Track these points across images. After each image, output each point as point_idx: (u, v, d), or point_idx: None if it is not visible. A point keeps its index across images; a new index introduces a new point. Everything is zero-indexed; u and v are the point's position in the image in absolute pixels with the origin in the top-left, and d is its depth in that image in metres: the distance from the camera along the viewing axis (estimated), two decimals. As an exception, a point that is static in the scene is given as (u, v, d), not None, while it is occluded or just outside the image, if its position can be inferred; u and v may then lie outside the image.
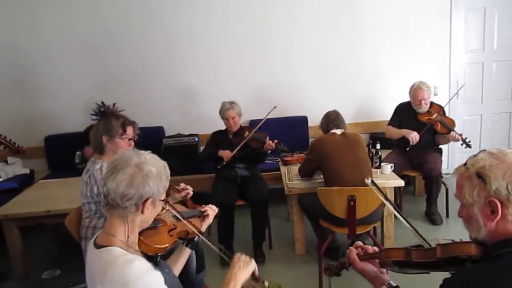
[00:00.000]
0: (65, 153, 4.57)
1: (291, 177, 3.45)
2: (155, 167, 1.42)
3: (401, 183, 3.36)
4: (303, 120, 4.92)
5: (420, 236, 1.56)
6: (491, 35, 4.95)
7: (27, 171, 4.36)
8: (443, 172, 3.97)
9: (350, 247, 1.62)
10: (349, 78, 4.94)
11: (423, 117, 3.93)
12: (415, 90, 3.93)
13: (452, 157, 5.11)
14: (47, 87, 4.78)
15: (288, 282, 3.13)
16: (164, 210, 1.71)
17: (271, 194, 3.57)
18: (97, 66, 4.76)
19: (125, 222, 1.41)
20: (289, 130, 4.73)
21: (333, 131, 3.16)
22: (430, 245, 1.47)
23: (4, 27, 4.63)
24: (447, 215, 4.03)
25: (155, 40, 4.76)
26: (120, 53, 4.75)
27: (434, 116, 3.88)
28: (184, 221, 1.71)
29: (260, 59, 4.86)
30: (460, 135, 3.75)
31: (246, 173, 3.66)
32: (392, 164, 3.55)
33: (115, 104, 2.54)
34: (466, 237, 3.78)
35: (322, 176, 3.31)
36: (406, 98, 4.21)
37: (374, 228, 3.24)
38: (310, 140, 4.91)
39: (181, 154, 4.33)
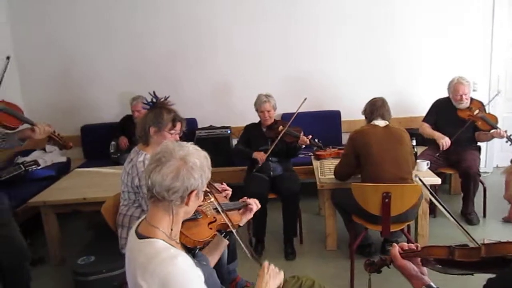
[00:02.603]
0: (100, 143, 4.68)
1: (324, 172, 3.41)
2: (199, 159, 1.41)
3: (437, 180, 3.26)
4: (336, 114, 4.85)
5: (468, 234, 1.50)
6: (535, 30, 4.74)
7: (64, 159, 4.48)
8: (481, 170, 3.85)
9: (393, 243, 1.58)
10: (384, 72, 4.84)
11: (464, 113, 3.80)
12: (456, 85, 3.80)
13: (490, 155, 4.93)
14: (85, 79, 4.91)
15: (319, 277, 3.07)
16: (205, 202, 1.71)
17: (302, 188, 3.55)
18: (132, 58, 4.85)
19: (169, 214, 1.41)
20: (322, 124, 4.67)
21: (376, 122, 3.03)
22: (477, 244, 1.41)
23: (47, 23, 4.78)
24: (484, 215, 3.91)
25: (189, 32, 4.79)
26: (155, 45, 4.82)
27: (476, 112, 3.75)
28: (223, 216, 1.69)
29: (293, 53, 4.82)
30: (505, 131, 3.61)
31: (279, 166, 3.64)
32: (428, 161, 3.45)
33: (168, 98, 2.53)
34: (503, 238, 3.66)
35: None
36: (443, 93, 4.09)
37: (408, 226, 3.17)
38: (343, 135, 4.87)
39: (214, 146, 4.34)
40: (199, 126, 4.76)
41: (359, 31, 4.76)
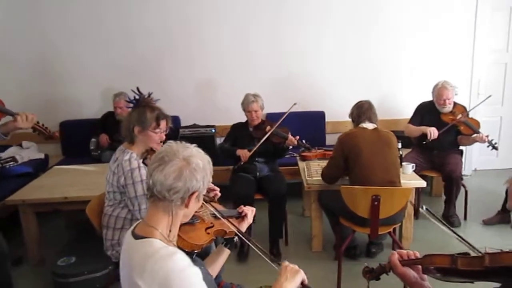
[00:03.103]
0: (80, 140, 4.55)
1: (311, 173, 3.39)
2: (202, 161, 1.40)
3: (422, 183, 3.30)
4: (321, 115, 4.86)
5: (469, 244, 1.50)
6: (516, 36, 4.87)
7: (41, 155, 4.33)
8: (462, 173, 3.91)
9: (392, 251, 1.56)
10: (368, 75, 4.87)
11: (447, 117, 3.85)
12: (440, 89, 3.85)
13: (469, 159, 5.04)
14: (66, 73, 4.76)
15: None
16: (202, 207, 1.67)
17: (288, 190, 3.53)
18: (116, 54, 4.73)
19: (169, 215, 1.39)
20: (306, 125, 4.66)
21: (364, 125, 3.03)
22: (479, 253, 1.41)
23: (29, 14, 4.60)
24: (465, 218, 3.98)
25: (174, 29, 4.71)
26: (139, 42, 4.72)
27: (459, 116, 3.81)
28: (224, 220, 1.66)
29: (279, 53, 4.80)
30: (487, 136, 3.68)
31: (265, 167, 3.61)
32: (414, 164, 3.49)
33: (151, 94, 2.46)
34: (483, 241, 3.74)
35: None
36: (426, 97, 4.15)
37: (394, 228, 3.19)
38: (328, 135, 4.88)
39: (198, 145, 4.25)
40: (182, 124, 4.68)
41: (344, 33, 4.78)
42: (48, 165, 4.31)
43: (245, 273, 3.13)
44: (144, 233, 1.37)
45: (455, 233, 1.61)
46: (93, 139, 4.48)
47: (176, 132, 4.40)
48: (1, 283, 2.57)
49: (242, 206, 1.92)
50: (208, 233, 1.70)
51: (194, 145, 1.46)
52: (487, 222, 3.82)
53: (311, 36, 4.77)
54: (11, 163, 3.62)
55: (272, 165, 3.67)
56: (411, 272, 1.52)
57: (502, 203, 3.79)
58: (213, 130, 4.48)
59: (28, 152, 4.24)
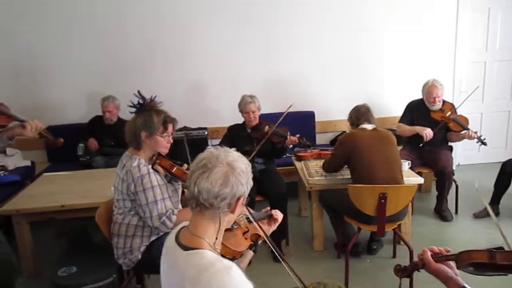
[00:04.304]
0: (66, 145, 4.37)
1: (311, 173, 3.41)
2: (244, 165, 1.38)
3: (420, 180, 3.37)
4: (310, 115, 4.89)
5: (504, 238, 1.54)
6: (494, 35, 5.06)
7: (28, 163, 4.18)
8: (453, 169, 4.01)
9: (424, 248, 1.59)
10: (356, 75, 4.95)
11: (436, 114, 3.96)
12: (430, 87, 3.95)
13: (453, 154, 5.17)
14: (49, 77, 4.61)
15: (311, 279, 3.10)
16: None
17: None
18: (102, 56, 4.62)
19: (215, 222, 1.36)
20: (296, 125, 4.65)
21: (363, 126, 3.09)
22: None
23: (9, 16, 4.42)
24: (456, 212, 4.09)
25: (162, 31, 4.65)
26: (126, 44, 4.63)
27: (448, 114, 3.92)
28: (257, 225, 1.64)
29: (268, 54, 4.82)
30: (475, 132, 3.80)
31: (264, 168, 3.61)
32: (409, 162, 3.56)
33: (155, 97, 2.40)
34: (476, 233, 3.84)
35: (342, 173, 3.31)
36: (411, 95, 4.26)
37: (399, 225, 3.24)
38: (317, 135, 4.93)
39: (190, 148, 4.22)
40: (172, 127, 4.60)
41: (332, 35, 4.83)
42: (35, 172, 4.16)
43: (279, 274, 3.11)
44: (192, 243, 1.33)
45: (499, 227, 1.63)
46: (80, 144, 4.35)
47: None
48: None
49: (268, 208, 1.90)
50: (246, 238, 1.69)
51: (233, 149, 1.44)
52: (477, 215, 3.95)
53: (300, 38, 4.81)
54: (1, 172, 3.45)
55: (270, 166, 3.66)
56: (445, 268, 1.54)
57: (491, 196, 3.92)
58: (206, 133, 4.43)
59: (14, 160, 4.07)
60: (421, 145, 3.88)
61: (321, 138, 5.01)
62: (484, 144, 3.82)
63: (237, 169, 1.34)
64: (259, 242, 1.78)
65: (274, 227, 1.85)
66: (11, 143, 2.35)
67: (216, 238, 1.38)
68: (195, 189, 1.31)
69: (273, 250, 1.62)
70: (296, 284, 1.85)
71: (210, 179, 1.30)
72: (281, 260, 1.62)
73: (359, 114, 3.17)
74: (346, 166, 3.16)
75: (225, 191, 1.31)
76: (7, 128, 2.30)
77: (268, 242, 1.65)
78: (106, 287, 2.88)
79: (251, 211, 1.84)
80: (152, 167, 2.33)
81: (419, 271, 1.63)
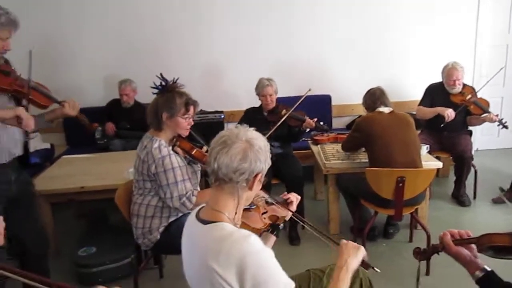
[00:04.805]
0: (83, 128, 4.44)
1: (328, 157, 3.39)
2: (263, 142, 1.41)
3: (439, 164, 3.33)
4: (327, 98, 4.86)
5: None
6: (517, 17, 4.92)
7: (47, 145, 4.25)
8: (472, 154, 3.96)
9: (444, 231, 1.57)
10: (374, 57, 4.88)
11: (456, 98, 3.89)
12: (450, 70, 3.87)
13: (473, 138, 5.10)
14: (66, 61, 4.65)
15: (327, 262, 3.12)
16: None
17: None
18: (119, 40, 4.65)
19: (234, 198, 1.40)
20: (312, 109, 4.60)
21: (380, 109, 3.05)
22: None
23: (24, 0, 4.44)
24: (475, 197, 4.05)
25: (177, 14, 4.63)
26: (142, 27, 4.64)
27: (468, 97, 3.85)
28: (276, 205, 1.67)
29: (285, 37, 4.78)
30: (497, 115, 3.73)
31: (280, 151, 3.60)
32: (428, 146, 3.52)
33: (177, 80, 2.41)
34: (495, 219, 3.79)
35: (359, 156, 3.29)
36: (431, 78, 4.19)
37: (416, 209, 3.22)
38: (334, 119, 4.90)
39: (207, 131, 4.20)
40: (189, 110, 4.62)
41: (350, 16, 4.77)
42: (54, 155, 4.23)
43: (296, 257, 3.18)
44: (212, 217, 1.37)
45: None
46: (98, 128, 4.38)
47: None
48: (43, 273, 2.51)
49: (286, 193, 1.91)
50: (264, 218, 1.71)
51: (252, 128, 1.46)
52: (496, 201, 3.90)
53: (318, 21, 4.76)
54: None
55: (287, 149, 3.66)
56: (465, 252, 1.53)
57: (511, 182, 3.86)
58: (222, 116, 4.44)
59: (34, 142, 4.11)
60: (442, 125, 3.78)
61: (338, 122, 4.98)
62: (506, 127, 3.75)
63: (256, 146, 1.37)
64: (280, 226, 1.79)
65: (293, 208, 1.86)
66: (51, 125, 2.46)
67: (236, 213, 1.41)
68: (215, 164, 1.35)
69: (298, 221, 1.68)
70: (311, 266, 1.87)
71: (230, 154, 1.34)
72: (308, 227, 1.74)
73: (375, 98, 3.13)
74: (363, 149, 3.14)
75: (243, 166, 1.34)
76: (48, 111, 2.38)
77: (294, 218, 1.68)
78: (125, 267, 2.97)
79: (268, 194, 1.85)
80: (172, 149, 2.35)
81: (438, 254, 1.62)
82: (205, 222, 1.37)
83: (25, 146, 2.36)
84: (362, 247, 1.56)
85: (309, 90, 3.71)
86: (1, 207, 2.15)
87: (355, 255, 1.51)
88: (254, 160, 1.36)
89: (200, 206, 1.49)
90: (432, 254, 1.65)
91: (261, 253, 1.28)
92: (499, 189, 3.95)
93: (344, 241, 1.57)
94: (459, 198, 3.94)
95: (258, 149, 1.38)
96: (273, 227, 1.76)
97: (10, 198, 2.22)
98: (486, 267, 1.51)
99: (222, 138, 1.38)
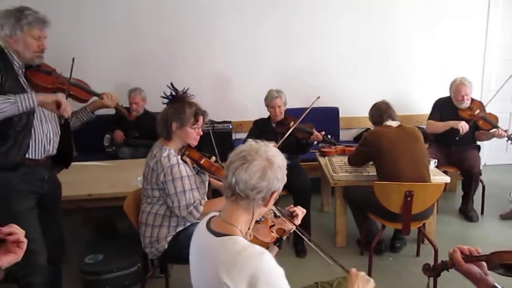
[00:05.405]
0: (92, 135, 4.46)
1: (335, 169, 3.39)
2: (282, 161, 1.42)
3: (446, 179, 3.32)
4: (334, 111, 4.87)
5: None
6: (526, 32, 4.93)
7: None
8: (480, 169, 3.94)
9: (454, 248, 1.56)
10: (381, 71, 4.91)
11: (465, 113, 3.88)
12: (458, 85, 3.88)
13: (481, 153, 5.08)
14: (76, 68, 4.61)
15: (333, 275, 3.10)
16: None
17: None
18: (128, 49, 4.70)
19: (248, 213, 1.40)
20: (320, 121, 4.62)
21: (388, 123, 3.05)
22: None
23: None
24: (482, 213, 4.03)
25: (185, 24, 4.69)
26: (153, 37, 4.71)
27: (477, 112, 3.84)
28: (284, 219, 1.67)
29: (293, 49, 4.82)
30: (506, 131, 3.72)
31: (288, 163, 3.59)
32: (436, 160, 3.51)
33: (187, 90, 2.44)
34: (503, 234, 3.76)
35: (367, 169, 3.29)
36: (439, 92, 4.19)
37: (424, 224, 3.21)
38: (341, 131, 4.90)
39: (215, 141, 4.25)
40: (197, 120, 4.65)
41: (357, 30, 4.80)
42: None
43: (301, 269, 3.18)
44: (225, 230, 1.37)
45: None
46: (107, 135, 4.43)
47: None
48: (57, 278, 2.57)
49: (292, 205, 1.92)
50: (272, 232, 1.71)
51: (272, 143, 1.47)
52: (504, 217, 3.88)
53: (325, 33, 4.80)
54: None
55: (294, 161, 3.66)
56: (475, 269, 1.52)
57: (520, 198, 3.84)
58: (230, 126, 4.46)
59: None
60: (457, 138, 3.75)
61: (345, 135, 4.99)
62: (516, 142, 3.73)
63: (275, 164, 1.38)
64: (284, 238, 1.80)
65: (297, 223, 1.86)
66: (93, 116, 2.59)
67: (249, 228, 1.42)
68: (233, 179, 1.35)
69: (305, 239, 1.64)
70: (320, 279, 1.86)
71: (249, 171, 1.33)
72: (313, 245, 1.73)
73: (381, 112, 3.13)
74: (371, 162, 3.14)
75: (262, 184, 1.34)
76: (89, 103, 2.54)
77: (299, 233, 1.68)
78: (131, 275, 2.97)
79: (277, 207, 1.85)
80: (181, 158, 2.37)
81: (448, 271, 1.61)
82: (217, 234, 1.37)
83: (70, 147, 2.49)
84: (372, 280, 1.55)
85: (318, 97, 3.72)
86: (34, 202, 2.24)
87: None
88: (273, 179, 1.36)
89: (209, 216, 1.49)
90: (442, 270, 1.64)
91: (273, 271, 1.27)
92: (509, 201, 3.92)
93: (354, 270, 1.56)
94: (466, 213, 3.92)
95: (277, 167, 1.38)
96: (277, 240, 1.77)
97: (41, 195, 2.29)
98: (496, 284, 1.49)
99: (242, 153, 1.37)
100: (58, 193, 2.57)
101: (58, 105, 2.15)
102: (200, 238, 1.45)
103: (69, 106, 2.22)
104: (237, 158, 1.36)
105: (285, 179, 1.43)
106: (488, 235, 3.67)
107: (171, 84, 2.48)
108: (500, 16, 4.83)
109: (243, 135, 4.31)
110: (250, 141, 1.43)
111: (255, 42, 4.76)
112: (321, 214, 4.11)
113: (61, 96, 2.21)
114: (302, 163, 3.92)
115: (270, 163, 1.36)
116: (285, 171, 1.43)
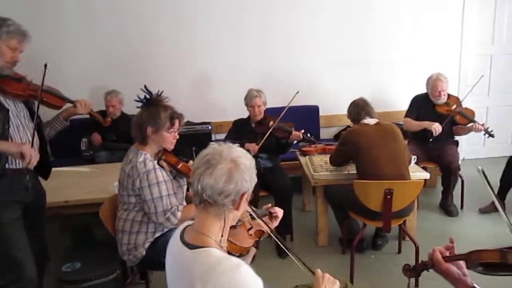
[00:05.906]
0: (68, 140, 4.33)
1: (316, 168, 3.38)
2: (248, 161, 1.35)
3: (426, 175, 3.34)
4: (315, 109, 4.86)
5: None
6: (500, 28, 5.00)
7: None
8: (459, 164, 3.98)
9: (434, 248, 1.56)
10: (360, 68, 4.92)
11: (442, 108, 3.92)
12: (434, 81, 3.91)
13: (460, 148, 5.14)
14: (52, 71, 4.50)
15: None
16: None
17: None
18: (104, 51, 4.60)
19: (220, 220, 1.34)
20: (300, 120, 4.61)
21: (365, 121, 3.04)
22: None
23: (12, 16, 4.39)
24: (462, 207, 4.07)
25: (164, 24, 4.61)
26: (128, 38, 4.61)
27: (454, 107, 3.88)
28: (261, 222, 1.63)
29: (272, 48, 4.79)
30: (482, 125, 3.76)
31: (268, 163, 3.59)
32: (415, 156, 3.53)
33: (162, 93, 2.38)
34: (482, 229, 3.80)
35: (348, 168, 3.28)
36: (417, 88, 4.21)
37: (404, 221, 3.22)
38: (322, 130, 4.90)
39: (194, 143, 4.17)
40: (175, 121, 4.59)
41: (337, 28, 4.81)
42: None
43: (284, 270, 3.10)
44: (197, 241, 1.32)
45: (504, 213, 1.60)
46: (84, 139, 4.32)
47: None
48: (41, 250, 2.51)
49: (270, 205, 1.89)
50: (251, 235, 1.68)
51: (236, 144, 1.42)
52: (483, 211, 3.92)
53: (304, 32, 4.78)
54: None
55: (274, 161, 3.64)
56: (454, 269, 1.51)
57: (497, 191, 3.89)
58: (209, 127, 4.41)
59: (17, 155, 4.05)
60: (430, 139, 3.81)
61: (326, 133, 4.99)
62: (492, 136, 3.77)
63: (241, 165, 1.31)
64: (261, 238, 1.77)
65: (275, 223, 1.84)
66: (67, 124, 2.54)
67: (222, 236, 1.36)
68: (198, 185, 1.29)
69: (279, 243, 1.62)
70: (302, 281, 1.84)
71: (214, 176, 1.28)
72: (287, 252, 1.63)
73: (358, 109, 3.12)
74: (351, 161, 3.13)
75: (229, 187, 1.29)
76: (62, 111, 2.49)
77: (273, 237, 1.64)
78: (110, 283, 2.88)
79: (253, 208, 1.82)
80: (158, 163, 2.32)
81: (428, 271, 1.60)
82: (191, 246, 1.31)
83: (46, 153, 2.44)
84: (338, 282, 1.53)
85: (297, 92, 3.70)
86: (19, 212, 2.20)
87: None
88: (240, 181, 1.30)
89: (184, 225, 1.44)
90: (421, 271, 1.63)
91: (252, 283, 1.23)
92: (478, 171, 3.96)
93: (319, 272, 1.52)
94: (446, 208, 3.95)
95: (244, 168, 1.32)
96: (256, 242, 1.74)
97: (26, 205, 2.26)
98: (475, 285, 1.49)
99: (205, 157, 1.31)
100: (43, 201, 2.52)
101: (22, 156, 2.06)
102: (175, 251, 1.39)
103: (36, 158, 2.13)
104: (201, 164, 1.30)
105: (254, 179, 1.37)
106: (468, 228, 3.71)
107: (145, 86, 2.42)
108: (475, 11, 4.88)
109: (223, 136, 4.26)
110: (214, 144, 1.37)
111: (234, 42, 4.72)
112: (303, 213, 4.10)
113: (27, 147, 2.09)
114: (282, 163, 3.90)
115: (236, 165, 1.30)
116: (254, 171, 1.37)
